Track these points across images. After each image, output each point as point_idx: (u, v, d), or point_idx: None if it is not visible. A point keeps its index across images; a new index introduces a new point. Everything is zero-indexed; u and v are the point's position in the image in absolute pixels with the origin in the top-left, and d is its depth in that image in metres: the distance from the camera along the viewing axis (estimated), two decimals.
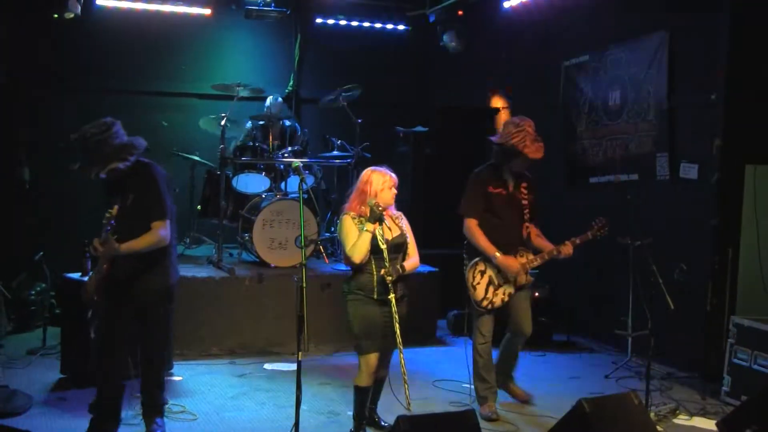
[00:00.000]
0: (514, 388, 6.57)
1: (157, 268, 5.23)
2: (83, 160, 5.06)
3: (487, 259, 6.04)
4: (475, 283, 6.05)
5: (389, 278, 5.17)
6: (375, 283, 5.27)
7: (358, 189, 5.45)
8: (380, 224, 5.27)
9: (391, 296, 5.17)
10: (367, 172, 5.47)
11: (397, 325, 5.15)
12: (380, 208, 5.23)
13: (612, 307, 8.14)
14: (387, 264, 5.20)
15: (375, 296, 5.28)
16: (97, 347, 5.38)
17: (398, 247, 5.41)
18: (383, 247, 5.22)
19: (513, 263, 6.04)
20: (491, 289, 6.05)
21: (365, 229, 5.25)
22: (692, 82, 7.55)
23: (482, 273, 6.06)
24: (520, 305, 6.22)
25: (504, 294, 6.09)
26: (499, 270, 6.06)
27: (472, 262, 6.09)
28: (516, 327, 6.27)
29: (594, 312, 8.77)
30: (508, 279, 6.08)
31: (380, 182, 5.38)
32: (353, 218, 5.38)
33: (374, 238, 5.25)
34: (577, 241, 6.12)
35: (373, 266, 5.28)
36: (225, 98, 9.09)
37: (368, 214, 5.25)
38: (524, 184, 6.21)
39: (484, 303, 6.04)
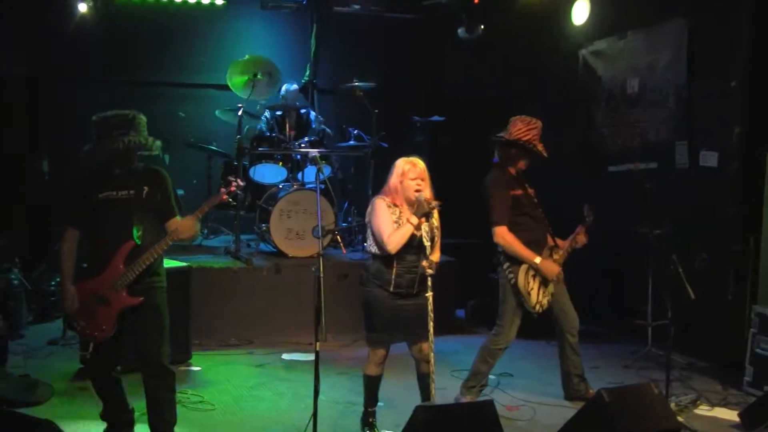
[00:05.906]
0: (592, 392, 6.04)
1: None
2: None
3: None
4: (529, 289, 5.86)
5: (430, 271, 4.97)
6: (393, 276, 5.14)
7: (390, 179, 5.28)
8: (426, 221, 5.07)
9: (429, 294, 4.96)
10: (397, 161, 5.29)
11: (431, 324, 4.96)
12: (430, 205, 5.04)
13: (631, 296, 8.07)
14: (428, 256, 4.98)
15: (391, 289, 5.16)
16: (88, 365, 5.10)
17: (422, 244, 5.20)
18: (427, 244, 5.02)
19: (553, 266, 5.92)
20: (542, 291, 5.92)
21: (409, 220, 5.05)
22: (712, 70, 7.47)
23: (534, 277, 5.89)
24: (563, 298, 6.15)
25: (549, 294, 5.99)
26: None
27: (521, 267, 5.87)
28: (566, 318, 6.16)
29: (613, 301, 8.71)
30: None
31: (400, 171, 5.20)
32: (388, 205, 5.19)
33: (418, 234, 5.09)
34: (584, 228, 6.09)
35: (395, 260, 5.13)
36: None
37: (416, 208, 5.06)
38: (526, 183, 6.13)
39: (537, 307, 5.91)
